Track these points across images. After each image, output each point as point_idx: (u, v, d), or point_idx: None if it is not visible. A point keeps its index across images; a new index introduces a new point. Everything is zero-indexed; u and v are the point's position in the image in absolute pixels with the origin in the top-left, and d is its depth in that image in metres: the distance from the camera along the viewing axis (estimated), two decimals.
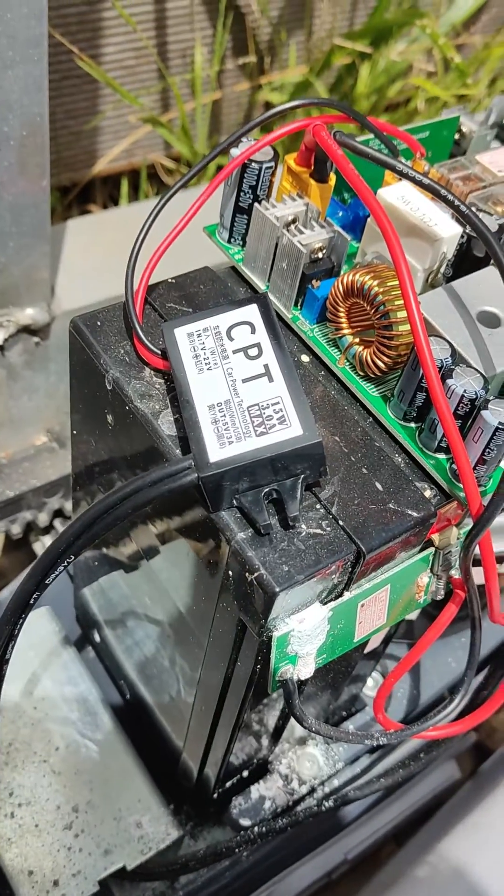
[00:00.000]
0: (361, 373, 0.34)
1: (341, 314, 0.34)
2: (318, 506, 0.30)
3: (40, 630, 0.51)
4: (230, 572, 0.30)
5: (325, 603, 0.30)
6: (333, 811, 0.43)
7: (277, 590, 0.27)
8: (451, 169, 0.37)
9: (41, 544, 0.63)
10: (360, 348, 0.33)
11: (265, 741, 0.43)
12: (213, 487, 0.28)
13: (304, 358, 0.35)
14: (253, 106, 0.93)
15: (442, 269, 0.35)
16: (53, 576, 0.30)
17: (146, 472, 0.28)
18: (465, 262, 0.35)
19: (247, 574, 0.28)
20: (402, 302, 0.31)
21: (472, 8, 0.96)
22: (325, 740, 0.46)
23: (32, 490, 0.57)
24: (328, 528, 0.29)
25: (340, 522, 0.30)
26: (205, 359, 0.30)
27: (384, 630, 0.41)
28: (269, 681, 0.31)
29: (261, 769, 0.44)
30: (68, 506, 0.61)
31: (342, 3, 0.90)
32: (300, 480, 0.29)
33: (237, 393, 0.29)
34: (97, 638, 0.50)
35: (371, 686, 0.48)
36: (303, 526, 0.29)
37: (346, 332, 0.34)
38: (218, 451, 0.28)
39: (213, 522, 0.29)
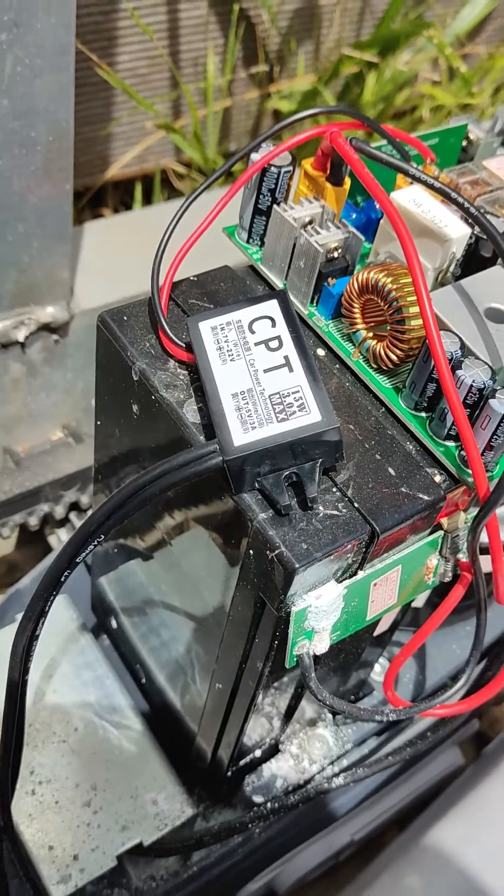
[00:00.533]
0: (374, 365, 0.36)
1: (356, 310, 0.35)
2: (334, 489, 0.32)
3: (59, 617, 0.52)
4: (251, 551, 0.31)
5: (341, 581, 0.32)
6: (343, 788, 0.45)
7: (297, 566, 0.29)
8: (460, 174, 0.39)
9: (56, 538, 0.65)
10: (374, 342, 0.35)
11: (277, 723, 0.45)
12: (237, 470, 0.30)
13: (320, 352, 0.37)
14: (262, 114, 0.95)
15: (451, 269, 0.37)
16: (84, 554, 0.32)
17: (173, 456, 0.30)
18: (473, 261, 0.37)
19: (267, 552, 0.30)
20: (414, 298, 0.33)
21: (477, 19, 0.98)
22: (335, 722, 0.47)
23: (50, 483, 0.59)
24: (344, 510, 0.31)
25: (356, 504, 0.31)
26: (228, 351, 0.32)
27: (394, 611, 0.42)
28: (287, 655, 0.33)
29: (272, 749, 0.46)
30: (84, 499, 0.63)
31: (350, 13, 0.93)
32: (318, 464, 0.31)
33: (259, 382, 0.31)
34: (113, 625, 0.52)
35: (378, 671, 0.50)
36: (320, 507, 0.31)
37: (360, 327, 0.36)
38: (242, 435, 0.30)
39: (235, 504, 0.31)
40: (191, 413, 0.33)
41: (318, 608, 0.31)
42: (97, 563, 0.52)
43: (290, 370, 0.31)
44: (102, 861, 0.44)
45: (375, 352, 0.35)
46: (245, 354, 0.32)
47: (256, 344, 0.32)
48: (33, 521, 0.61)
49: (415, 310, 0.33)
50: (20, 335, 0.54)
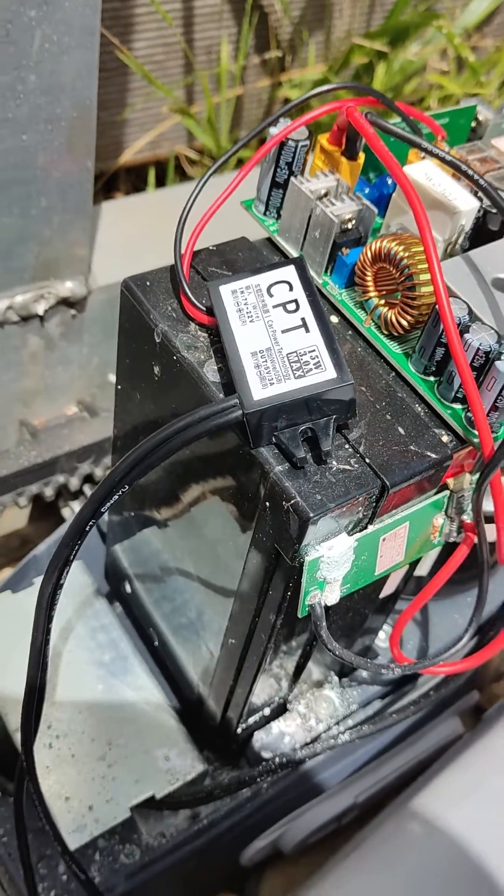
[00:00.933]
0: (386, 332, 0.37)
1: (368, 278, 0.37)
2: (346, 446, 0.33)
3: (74, 582, 0.54)
4: (267, 503, 0.33)
5: (351, 534, 0.34)
6: (348, 746, 0.47)
7: (311, 515, 0.31)
8: (469, 151, 0.41)
9: (70, 510, 0.67)
10: (385, 309, 0.37)
11: (284, 684, 0.47)
12: (256, 424, 0.32)
13: (334, 319, 0.38)
14: (273, 102, 0.97)
15: (460, 241, 0.39)
16: (108, 504, 0.33)
17: (196, 410, 0.32)
18: (480, 235, 0.39)
19: (283, 503, 0.32)
20: (425, 266, 0.34)
21: (486, 11, 1.00)
22: (341, 684, 0.49)
23: (65, 454, 0.61)
24: (356, 465, 0.33)
25: (367, 460, 0.33)
26: (247, 313, 0.34)
27: (399, 573, 0.44)
28: (300, 605, 0.34)
29: (280, 709, 0.47)
30: (98, 472, 0.64)
31: (361, 4, 0.94)
32: (332, 420, 0.32)
33: (277, 342, 0.33)
34: (127, 590, 0.53)
35: (382, 638, 0.52)
36: (334, 462, 0.33)
37: (372, 294, 0.37)
38: (261, 391, 0.32)
39: (253, 458, 0.33)
40: (211, 373, 0.35)
41: (330, 559, 0.33)
42: (112, 531, 0.54)
43: (307, 331, 0.33)
44: (116, 812, 0.45)
45: (387, 318, 0.37)
46: (264, 316, 0.34)
47: (274, 306, 0.34)
48: (48, 492, 0.63)
49: (425, 277, 0.35)
50: (40, 308, 0.55)
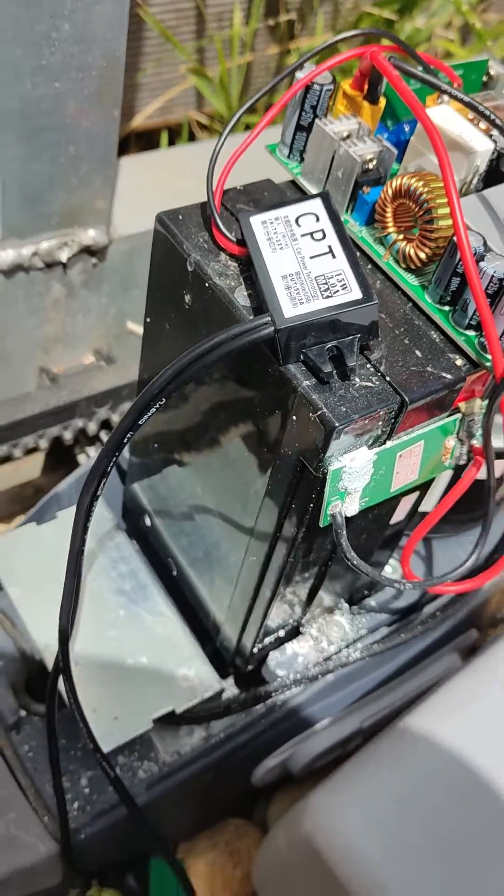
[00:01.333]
0: (404, 265, 0.40)
1: (388, 215, 0.39)
2: (368, 365, 0.36)
3: (95, 515, 0.56)
4: (294, 417, 0.36)
5: (371, 448, 0.36)
6: (359, 668, 0.50)
7: (337, 425, 0.34)
8: (484, 99, 0.43)
9: (86, 456, 0.69)
10: (403, 244, 0.39)
11: (298, 609, 0.49)
12: (286, 341, 0.34)
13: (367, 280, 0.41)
14: (281, 69, 0.99)
15: (474, 182, 0.41)
16: (146, 417, 0.36)
17: (230, 327, 0.34)
18: (494, 176, 0.41)
19: (311, 414, 0.34)
20: (443, 200, 0.37)
21: None
22: (351, 611, 0.52)
23: (84, 399, 0.63)
24: (377, 382, 0.35)
25: (387, 378, 0.36)
26: (277, 241, 0.36)
27: (409, 502, 0.47)
28: (322, 515, 0.37)
29: (294, 632, 0.50)
30: (115, 418, 0.67)
31: None
32: (357, 339, 0.35)
33: (305, 266, 0.35)
34: (147, 523, 0.56)
35: (390, 572, 0.55)
36: (357, 380, 0.35)
37: (391, 230, 0.40)
38: (291, 309, 0.34)
39: (282, 375, 0.35)
40: (241, 298, 0.37)
41: (352, 469, 0.36)
42: (131, 470, 0.56)
43: (334, 257, 0.35)
44: (139, 723, 0.48)
45: (405, 252, 0.39)
46: (292, 244, 0.36)
47: (302, 235, 0.36)
48: (68, 436, 0.65)
49: (443, 210, 0.37)
50: (63, 256, 0.58)
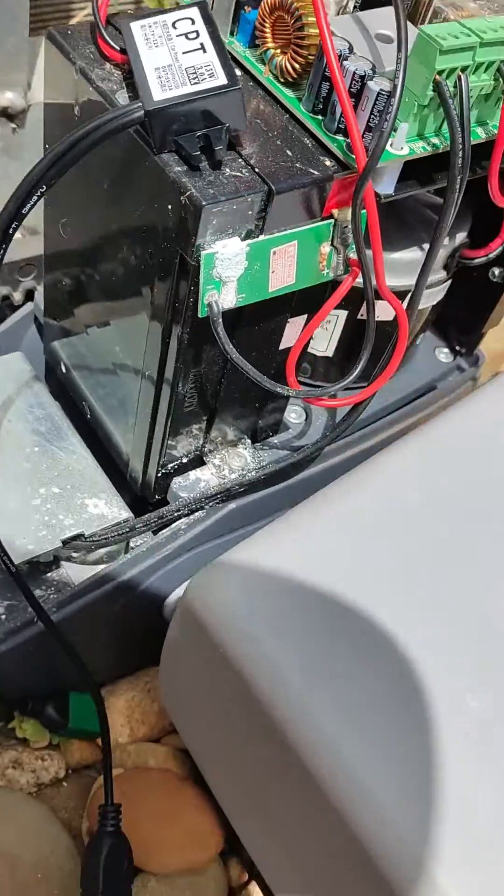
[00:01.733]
0: (282, 79, 0.42)
1: (267, 29, 0.42)
2: (239, 159, 0.38)
3: (13, 368, 0.59)
4: (168, 206, 0.38)
5: (244, 240, 0.39)
6: (258, 494, 0.52)
7: (204, 203, 0.36)
8: None
9: None
10: (281, 58, 0.42)
11: (200, 437, 0.52)
12: (156, 123, 0.36)
13: (237, 72, 0.43)
14: None
15: (350, 6, 0.44)
16: (29, 206, 0.38)
17: (104, 113, 0.37)
18: (369, 1, 0.43)
19: (182, 199, 0.37)
20: (312, 8, 0.39)
21: None
22: (254, 446, 0.54)
23: (7, 265, 0.65)
24: (247, 173, 0.38)
25: (257, 170, 0.38)
26: (154, 41, 0.39)
27: (303, 337, 0.49)
28: (199, 305, 0.40)
29: (197, 460, 0.53)
30: (40, 288, 0.69)
31: None
32: (225, 129, 0.37)
33: (178, 60, 0.37)
34: (63, 370, 0.58)
35: (294, 417, 0.57)
36: (227, 170, 0.38)
37: (270, 45, 0.42)
38: (161, 94, 0.36)
39: (156, 164, 0.38)
40: (122, 99, 0.39)
41: (224, 256, 0.38)
42: (49, 330, 0.59)
43: (204, 52, 0.38)
44: (47, 543, 0.51)
45: (282, 66, 0.42)
46: (167, 43, 0.38)
47: (178, 35, 0.38)
48: None
49: (313, 19, 0.40)
50: None
